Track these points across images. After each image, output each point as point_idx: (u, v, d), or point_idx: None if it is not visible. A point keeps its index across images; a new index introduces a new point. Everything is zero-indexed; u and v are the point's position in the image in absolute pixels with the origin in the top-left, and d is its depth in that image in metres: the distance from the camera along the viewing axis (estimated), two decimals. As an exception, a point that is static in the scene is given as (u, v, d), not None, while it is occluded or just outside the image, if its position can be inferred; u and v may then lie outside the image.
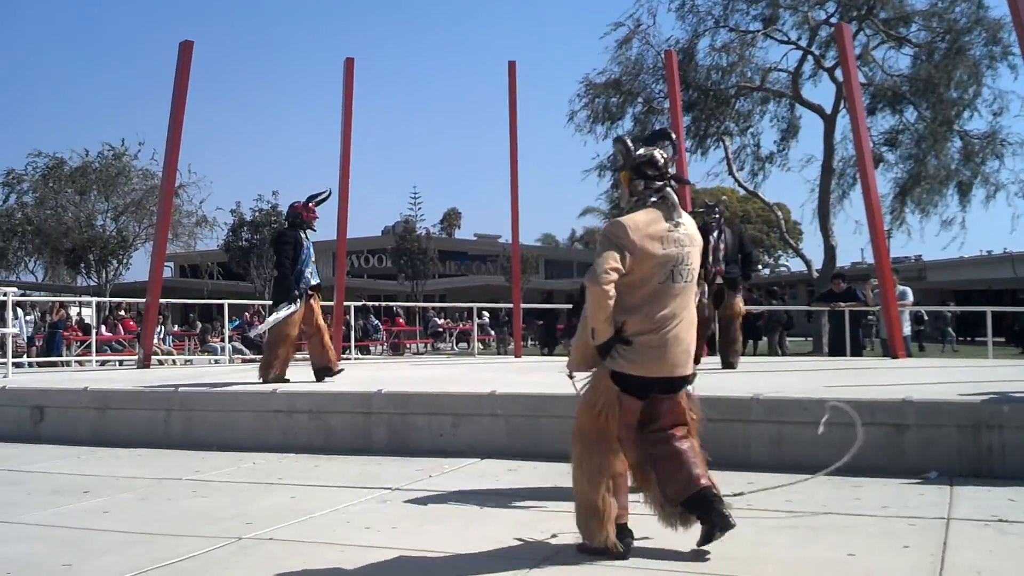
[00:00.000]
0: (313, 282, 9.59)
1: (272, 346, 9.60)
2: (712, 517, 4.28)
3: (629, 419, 4.36)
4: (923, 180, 26.88)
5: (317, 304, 9.75)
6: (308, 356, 10.19)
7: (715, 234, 10.63)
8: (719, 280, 10.61)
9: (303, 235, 9.61)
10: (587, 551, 4.33)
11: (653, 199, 4.39)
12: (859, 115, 13.42)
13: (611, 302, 4.19)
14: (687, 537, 4.43)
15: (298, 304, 9.38)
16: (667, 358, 4.31)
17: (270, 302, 10.74)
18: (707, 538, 4.31)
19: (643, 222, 4.29)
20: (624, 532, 4.37)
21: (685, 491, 4.33)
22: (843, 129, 26.26)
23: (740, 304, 10.94)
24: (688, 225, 4.41)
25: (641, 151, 4.51)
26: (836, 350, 16.38)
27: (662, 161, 4.47)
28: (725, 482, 6.07)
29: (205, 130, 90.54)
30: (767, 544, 4.60)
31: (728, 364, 10.75)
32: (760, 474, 6.25)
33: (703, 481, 4.33)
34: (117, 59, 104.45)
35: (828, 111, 26.62)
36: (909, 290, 16.94)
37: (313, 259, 9.72)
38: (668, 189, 4.42)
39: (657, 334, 4.28)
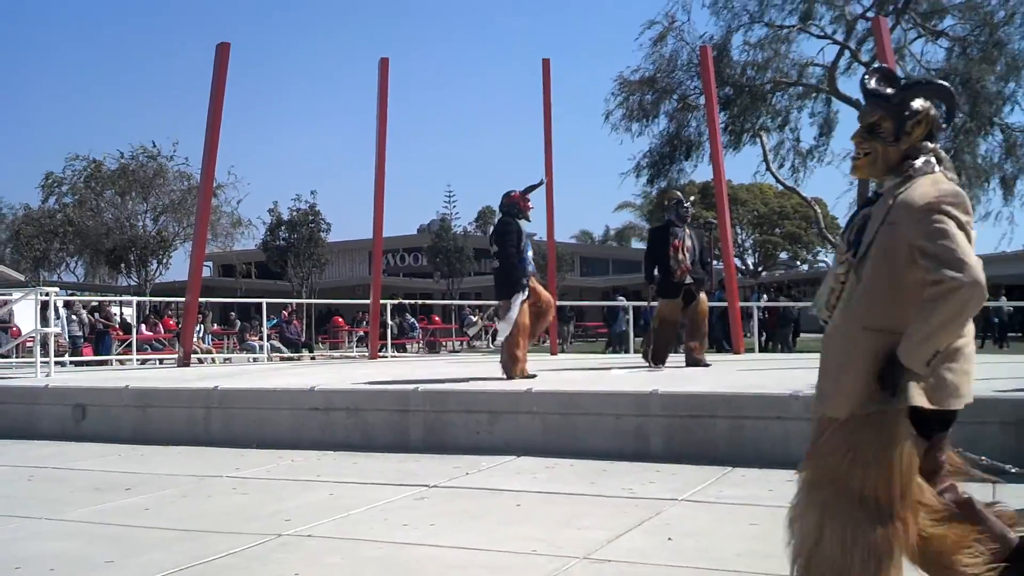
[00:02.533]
0: (530, 270, 9.52)
1: (513, 340, 9.32)
2: None
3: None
4: (963, 174, 26.60)
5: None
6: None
7: (683, 230, 10.81)
8: (688, 280, 10.77)
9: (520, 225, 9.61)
10: None
11: (934, 165, 3.05)
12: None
13: None
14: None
15: (526, 292, 9.29)
16: (971, 378, 2.98)
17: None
18: None
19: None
20: None
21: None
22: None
23: (706, 303, 11.27)
24: None
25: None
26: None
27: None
28: (765, 479, 6.06)
29: (242, 130, 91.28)
30: (806, 542, 4.57)
31: (697, 362, 10.94)
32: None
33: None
34: (151, 59, 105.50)
35: (866, 105, 26.41)
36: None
37: (530, 249, 9.67)
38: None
39: (968, 345, 2.97)
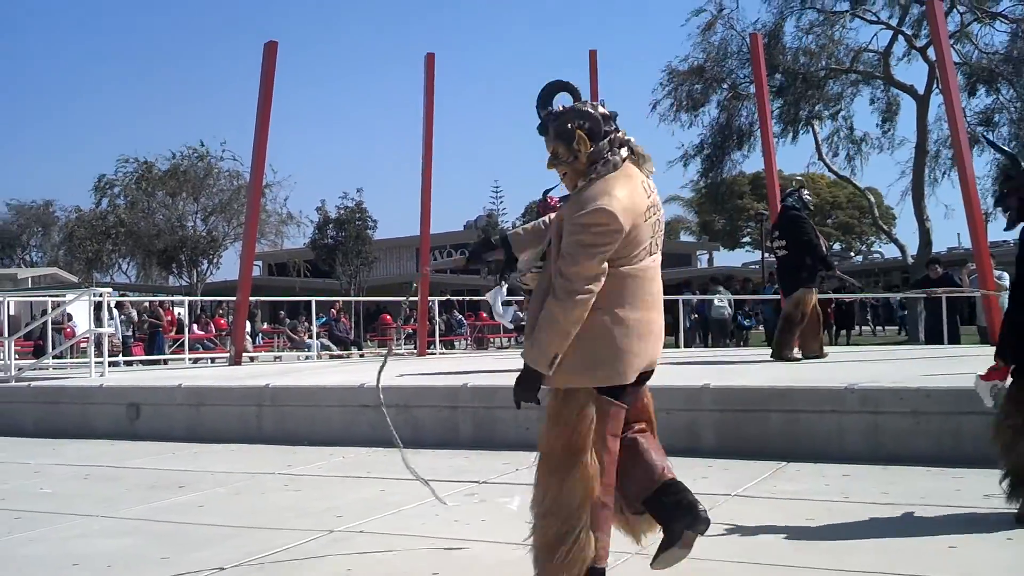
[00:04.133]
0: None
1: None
2: (683, 513, 3.53)
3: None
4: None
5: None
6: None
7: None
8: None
9: None
10: None
11: (623, 156, 3.50)
12: (953, 95, 13.03)
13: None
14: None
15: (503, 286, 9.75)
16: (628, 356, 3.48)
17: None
18: (672, 540, 3.55)
19: (627, 197, 3.37)
20: None
21: (648, 486, 3.59)
22: (937, 110, 25.54)
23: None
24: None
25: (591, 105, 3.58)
26: (933, 338, 15.97)
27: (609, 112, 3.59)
28: (820, 474, 5.95)
29: (289, 129, 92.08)
30: (865, 535, 4.48)
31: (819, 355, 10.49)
32: (856, 466, 6.10)
33: (668, 473, 3.64)
34: (199, 60, 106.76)
35: (921, 91, 25.90)
36: (1006, 274, 16.41)
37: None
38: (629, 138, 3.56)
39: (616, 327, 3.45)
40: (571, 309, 3.27)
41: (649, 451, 3.66)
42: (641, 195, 3.42)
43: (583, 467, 3.38)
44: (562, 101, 3.72)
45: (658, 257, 3.54)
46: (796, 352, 10.22)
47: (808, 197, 10.59)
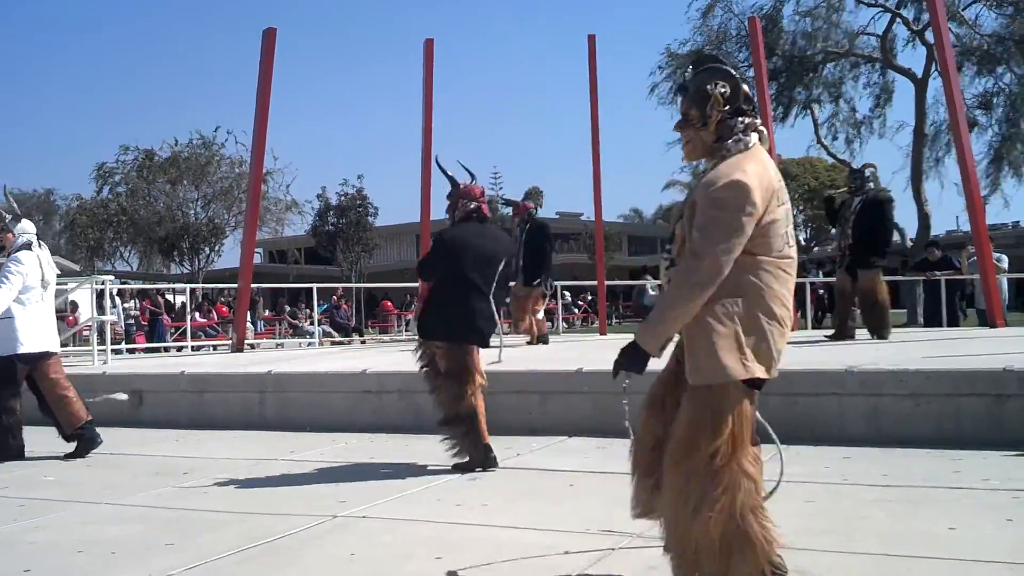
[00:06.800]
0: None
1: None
2: None
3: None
4: (1019, 143, 26.00)
5: None
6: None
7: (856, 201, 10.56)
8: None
9: None
10: None
11: (754, 141, 3.29)
12: (952, 78, 13.01)
13: None
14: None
15: None
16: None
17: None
18: None
19: (759, 176, 3.18)
20: None
21: None
22: (935, 93, 25.47)
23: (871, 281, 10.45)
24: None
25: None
26: (932, 320, 15.97)
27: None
28: (820, 456, 5.98)
29: (288, 116, 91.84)
30: (865, 517, 4.52)
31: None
32: (856, 448, 6.14)
33: None
34: (198, 49, 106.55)
35: (919, 75, 25.83)
36: (1005, 256, 16.47)
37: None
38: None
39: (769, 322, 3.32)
40: (696, 293, 3.11)
41: None
42: (773, 179, 3.22)
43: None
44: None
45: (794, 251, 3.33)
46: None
47: (868, 174, 10.81)
